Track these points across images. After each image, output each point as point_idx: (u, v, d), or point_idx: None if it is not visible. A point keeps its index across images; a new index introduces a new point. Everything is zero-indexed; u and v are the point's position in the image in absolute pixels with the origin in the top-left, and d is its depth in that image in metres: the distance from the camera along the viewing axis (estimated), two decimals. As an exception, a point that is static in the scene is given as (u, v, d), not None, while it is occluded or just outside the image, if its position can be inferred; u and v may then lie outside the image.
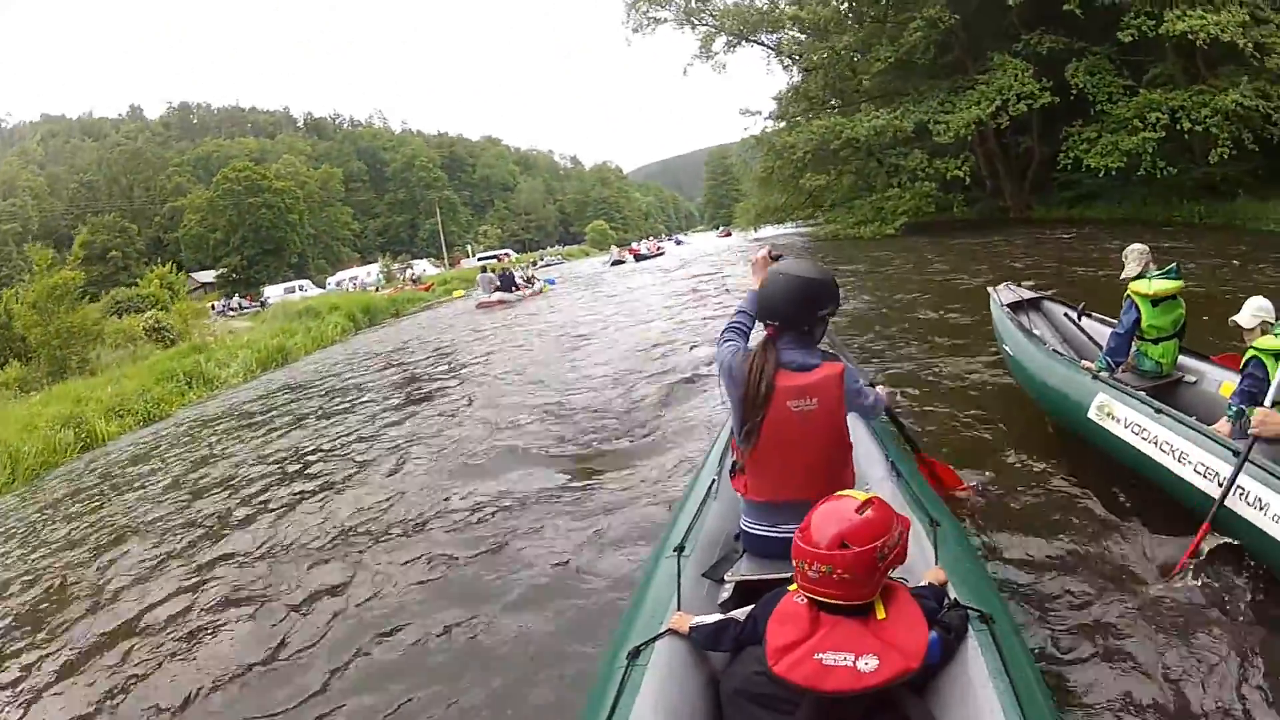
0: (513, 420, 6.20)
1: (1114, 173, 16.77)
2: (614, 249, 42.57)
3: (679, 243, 51.88)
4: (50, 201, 64.33)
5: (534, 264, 26.05)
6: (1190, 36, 14.74)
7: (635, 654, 1.70)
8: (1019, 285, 5.25)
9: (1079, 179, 20.20)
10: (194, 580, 4.12)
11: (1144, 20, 15.84)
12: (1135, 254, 4.08)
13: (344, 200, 72.52)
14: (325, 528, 4.51)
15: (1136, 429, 3.23)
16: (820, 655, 1.42)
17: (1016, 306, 4.93)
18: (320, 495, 5.21)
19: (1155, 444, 3.11)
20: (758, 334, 2.25)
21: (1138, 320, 3.82)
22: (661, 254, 35.23)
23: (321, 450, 6.57)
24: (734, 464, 2.23)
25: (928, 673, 1.53)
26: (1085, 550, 3.00)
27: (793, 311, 2.10)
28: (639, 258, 34.01)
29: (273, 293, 40.35)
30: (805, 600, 1.51)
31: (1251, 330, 3.27)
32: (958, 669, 1.58)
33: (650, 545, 2.90)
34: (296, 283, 44.07)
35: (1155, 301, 3.81)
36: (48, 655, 3.62)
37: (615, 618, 2.29)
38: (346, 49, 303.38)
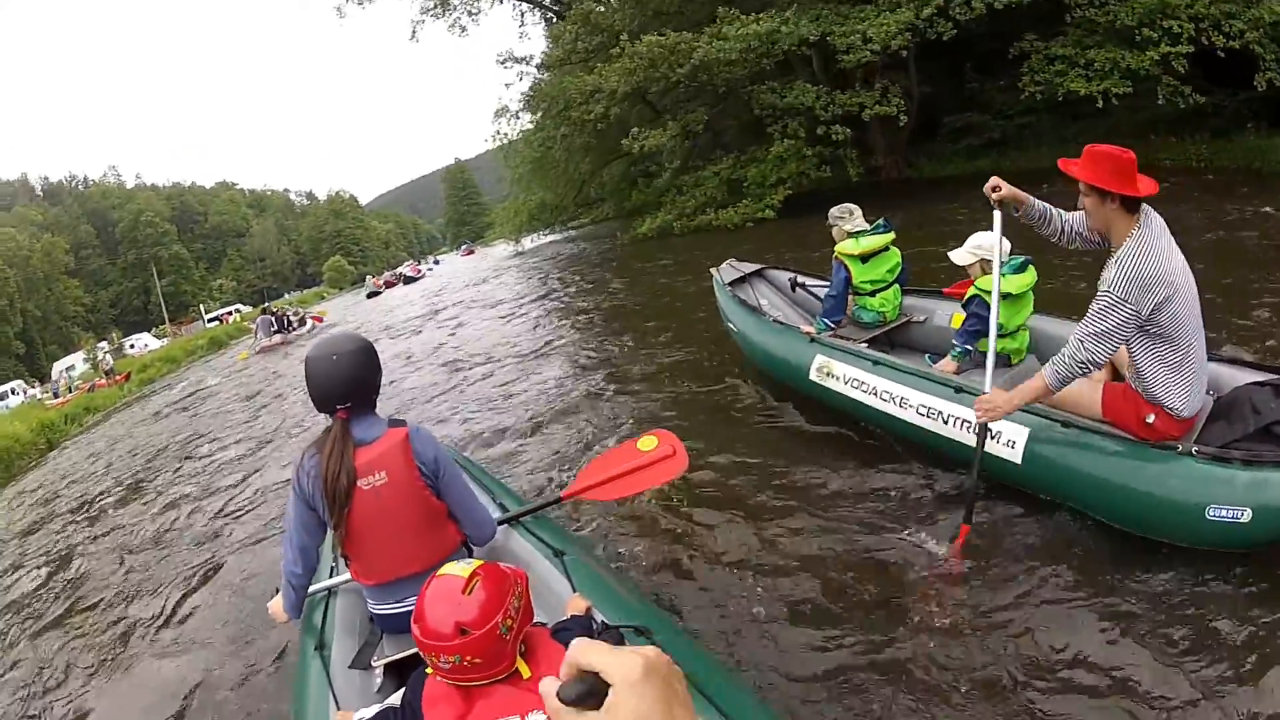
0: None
1: (1115, 100, 11.84)
2: (369, 279, 42.68)
3: (437, 262, 53.58)
4: None
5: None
6: None
7: None
8: (740, 261, 5.34)
9: (982, 123, 15.93)
10: None
11: None
12: (849, 215, 4.11)
13: (74, 271, 60.07)
14: None
15: (856, 383, 3.46)
16: None
17: (740, 282, 5.07)
18: None
19: (876, 394, 3.32)
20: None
21: (848, 279, 3.94)
22: (421, 276, 37.02)
23: None
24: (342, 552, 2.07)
25: None
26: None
27: (365, 388, 1.97)
28: (407, 280, 35.05)
29: (-20, 403, 30.09)
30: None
31: (971, 267, 3.34)
32: None
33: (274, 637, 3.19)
34: (8, 386, 32.48)
35: (864, 259, 3.92)
36: None
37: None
38: (81, 101, 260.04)
